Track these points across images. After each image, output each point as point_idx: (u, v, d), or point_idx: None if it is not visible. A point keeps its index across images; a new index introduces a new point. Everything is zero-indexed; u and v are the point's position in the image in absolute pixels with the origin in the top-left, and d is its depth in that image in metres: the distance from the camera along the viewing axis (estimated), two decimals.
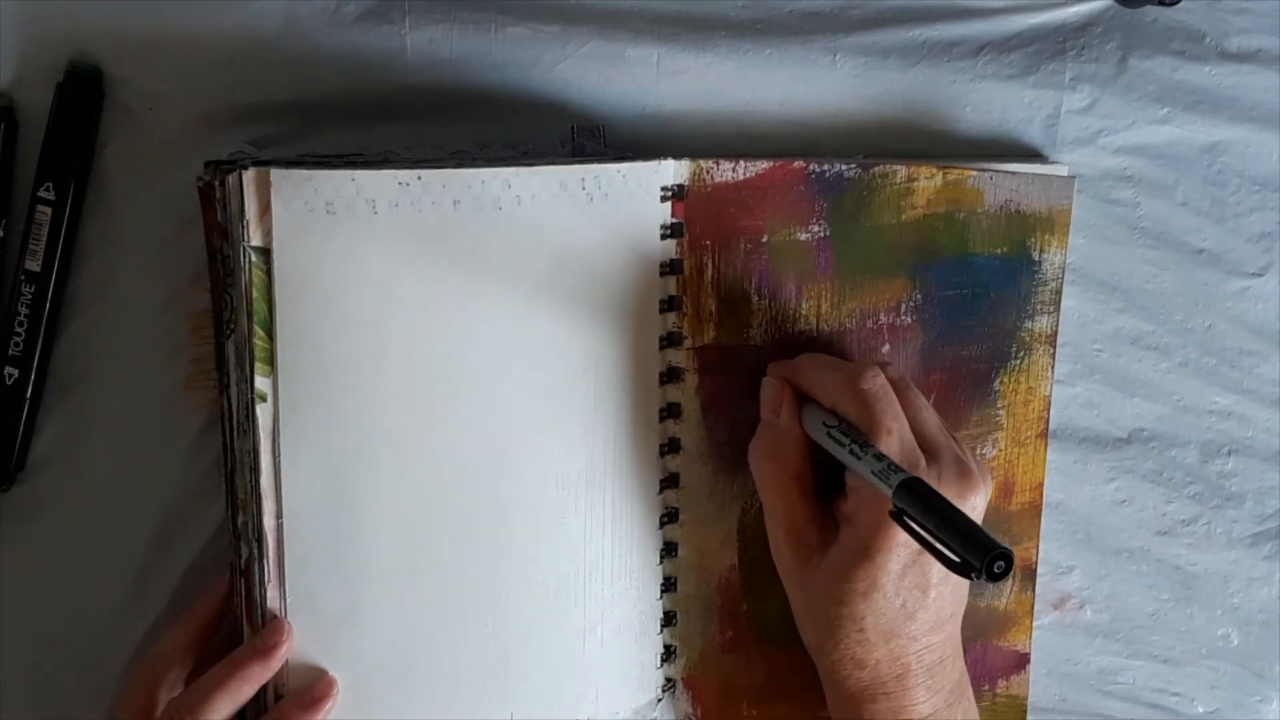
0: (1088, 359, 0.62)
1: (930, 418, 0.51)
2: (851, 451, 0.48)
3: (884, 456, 0.47)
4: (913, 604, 0.48)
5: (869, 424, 0.48)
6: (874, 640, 0.49)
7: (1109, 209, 0.61)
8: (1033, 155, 0.60)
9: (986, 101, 0.59)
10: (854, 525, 0.49)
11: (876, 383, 0.49)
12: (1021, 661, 0.62)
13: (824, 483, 0.51)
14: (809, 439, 0.51)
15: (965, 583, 0.51)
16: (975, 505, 0.49)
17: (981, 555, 0.40)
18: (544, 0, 0.54)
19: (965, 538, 0.42)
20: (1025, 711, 0.63)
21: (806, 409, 0.51)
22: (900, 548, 0.47)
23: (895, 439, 0.48)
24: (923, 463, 0.48)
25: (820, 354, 0.54)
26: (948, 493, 0.47)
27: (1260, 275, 0.62)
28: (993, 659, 0.61)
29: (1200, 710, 0.65)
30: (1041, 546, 0.62)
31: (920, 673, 0.50)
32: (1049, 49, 0.59)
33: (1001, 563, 0.40)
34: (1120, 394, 0.62)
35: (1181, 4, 0.58)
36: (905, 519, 0.44)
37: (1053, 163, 0.59)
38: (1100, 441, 0.63)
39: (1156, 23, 0.59)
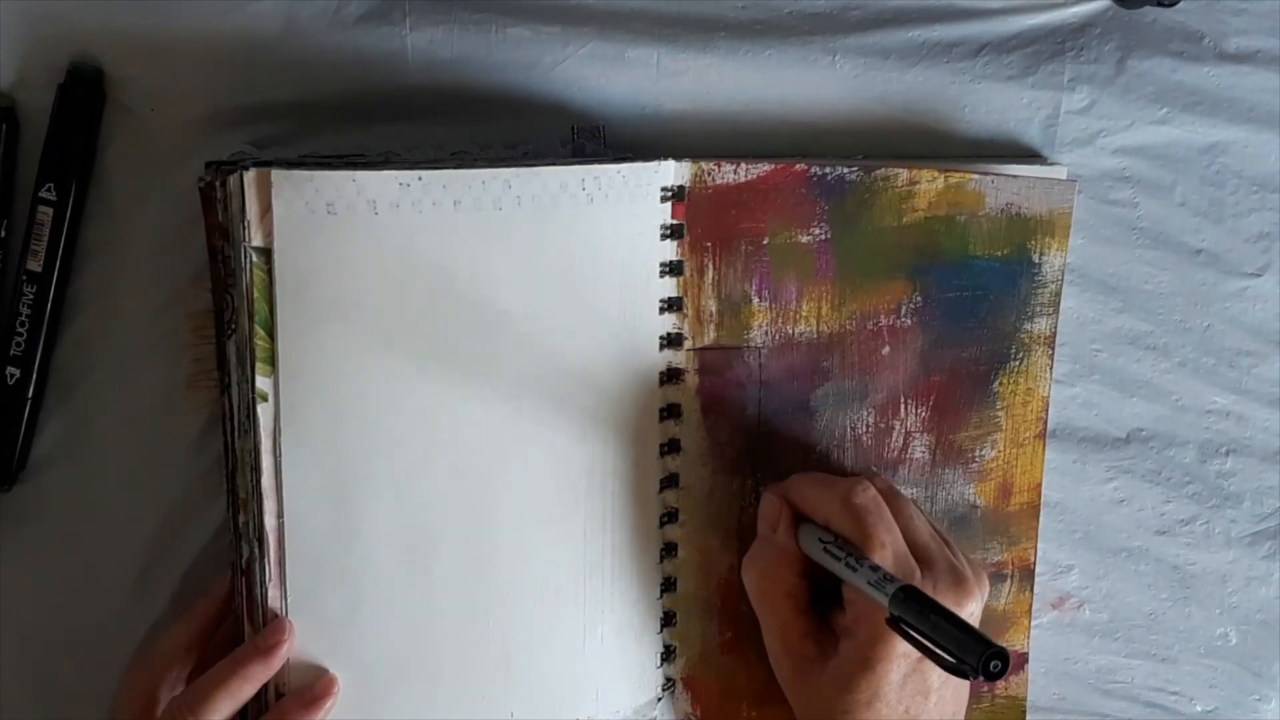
0: (1086, 359, 0.62)
1: (922, 526, 0.52)
2: (847, 564, 0.49)
3: (879, 568, 0.48)
4: (915, 709, 0.49)
5: (862, 538, 0.49)
6: None
7: (1108, 209, 0.61)
8: (1032, 156, 0.60)
9: (985, 102, 0.59)
10: (853, 638, 0.49)
11: (867, 496, 0.50)
12: (1020, 662, 0.62)
13: (820, 596, 0.52)
14: (804, 556, 0.52)
15: (966, 684, 0.51)
16: (972, 611, 0.50)
17: (977, 655, 0.42)
18: (544, 1, 0.54)
19: (960, 640, 0.43)
20: (1024, 712, 0.63)
21: (803, 526, 0.53)
22: (901, 657, 0.48)
23: (889, 551, 0.49)
24: (918, 573, 0.49)
25: (813, 472, 0.55)
26: (944, 601, 0.48)
27: (1259, 275, 0.62)
28: None
29: (1199, 709, 0.65)
30: (1040, 546, 0.62)
31: None
32: (1048, 50, 0.59)
33: (998, 662, 0.41)
34: (1119, 394, 0.62)
35: (1180, 5, 0.58)
36: (902, 626, 0.45)
37: (1052, 163, 0.59)
38: (1099, 441, 0.63)
39: (1155, 23, 0.60)
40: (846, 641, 0.50)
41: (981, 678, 0.42)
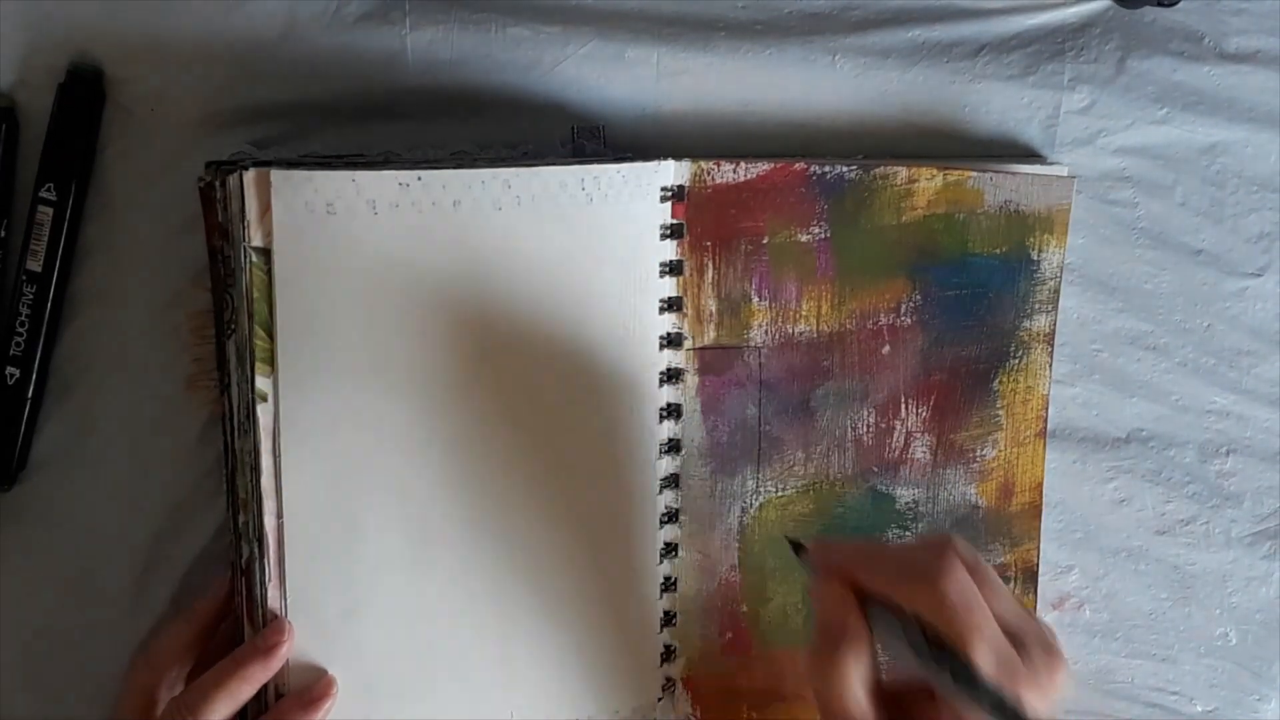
0: (1087, 359, 0.62)
1: (1007, 599, 0.46)
2: (956, 677, 0.43)
3: (1003, 696, 0.42)
4: None
5: (961, 634, 0.43)
6: None
7: (1108, 209, 0.61)
8: (1032, 155, 0.60)
9: (985, 102, 0.59)
10: None
11: (962, 586, 0.44)
12: None
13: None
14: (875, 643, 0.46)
15: None
16: (1062, 682, 0.45)
17: None
18: (544, 1, 0.54)
19: None
20: None
21: (873, 611, 0.46)
22: None
23: (989, 648, 0.44)
24: (1020, 665, 0.44)
25: (878, 545, 0.51)
26: (1041, 682, 0.44)
27: (1259, 275, 0.62)
28: None
29: (1199, 709, 0.65)
30: (1041, 546, 0.62)
31: None
32: (1048, 50, 0.59)
33: None
34: (1119, 394, 0.62)
35: (1180, 4, 0.58)
36: None
37: (1052, 163, 0.59)
38: (1099, 441, 0.63)
39: (1155, 23, 0.60)
40: None
41: None
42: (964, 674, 0.43)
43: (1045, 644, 0.46)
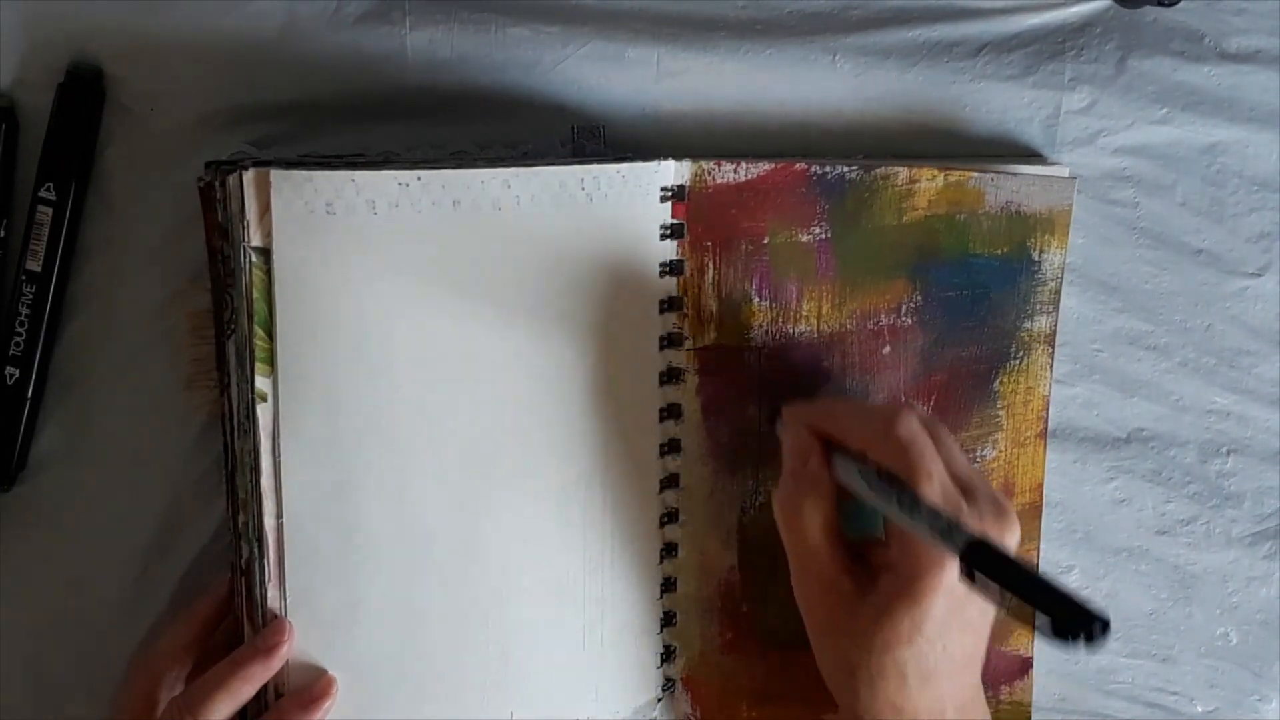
0: (1087, 359, 0.62)
1: (961, 457, 0.50)
2: (901, 504, 0.46)
3: (940, 513, 0.45)
4: (952, 645, 0.48)
5: (909, 471, 0.47)
6: (914, 684, 0.47)
7: (1108, 209, 0.61)
8: (1032, 155, 0.60)
9: (986, 102, 0.59)
10: (896, 572, 0.47)
11: (912, 427, 0.48)
12: (1025, 666, 0.62)
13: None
14: (837, 488, 0.50)
15: (991, 619, 0.50)
16: (1012, 543, 0.48)
17: (1083, 620, 0.38)
18: (544, 1, 0.54)
19: (1057, 600, 0.40)
20: (1029, 717, 0.63)
21: (837, 457, 0.50)
22: (946, 592, 0.46)
23: (936, 484, 0.47)
24: (964, 506, 0.47)
25: (845, 397, 0.53)
26: (991, 532, 0.46)
27: (1259, 275, 0.62)
28: (996, 664, 0.61)
29: (1199, 709, 0.65)
30: (1041, 546, 0.62)
31: (951, 711, 0.49)
32: (1048, 49, 0.59)
33: (1100, 625, 0.38)
34: (1119, 394, 0.62)
35: (1181, 4, 0.58)
36: (978, 579, 0.42)
37: (1052, 163, 0.59)
38: (1100, 441, 0.63)
39: (1156, 23, 0.60)
40: (887, 576, 0.48)
41: (1083, 643, 0.38)
42: (909, 501, 0.46)
43: (995, 501, 0.49)
